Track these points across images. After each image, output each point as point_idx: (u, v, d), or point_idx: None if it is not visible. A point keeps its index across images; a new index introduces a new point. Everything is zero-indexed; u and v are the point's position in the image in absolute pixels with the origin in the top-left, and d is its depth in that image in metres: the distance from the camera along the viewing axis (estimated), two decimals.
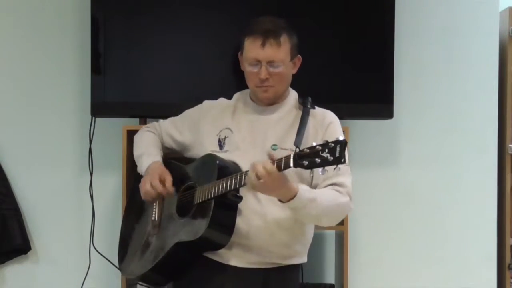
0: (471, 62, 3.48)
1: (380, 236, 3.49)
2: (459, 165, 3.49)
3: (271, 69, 2.44)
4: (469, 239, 3.49)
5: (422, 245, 3.49)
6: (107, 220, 3.40)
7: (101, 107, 3.19)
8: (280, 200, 2.27)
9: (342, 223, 3.10)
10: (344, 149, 2.04)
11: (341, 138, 2.04)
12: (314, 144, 2.08)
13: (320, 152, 2.05)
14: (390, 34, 3.19)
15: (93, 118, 3.30)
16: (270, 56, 2.43)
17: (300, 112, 2.50)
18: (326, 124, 2.49)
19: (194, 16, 3.19)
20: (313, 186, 2.42)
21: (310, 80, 3.19)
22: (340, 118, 3.24)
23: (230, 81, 3.03)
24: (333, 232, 3.45)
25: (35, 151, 3.46)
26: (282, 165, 2.15)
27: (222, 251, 2.42)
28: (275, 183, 2.19)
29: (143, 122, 3.18)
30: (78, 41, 3.39)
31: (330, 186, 2.39)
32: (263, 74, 2.43)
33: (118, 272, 2.87)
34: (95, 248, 3.36)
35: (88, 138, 3.32)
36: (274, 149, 2.42)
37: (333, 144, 2.04)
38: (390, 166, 3.49)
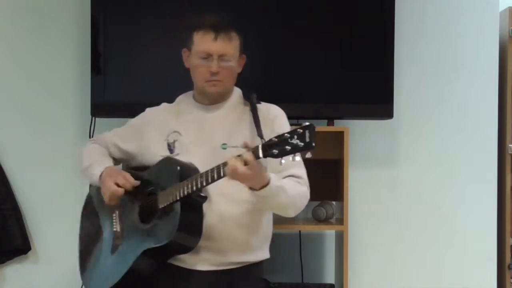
0: (471, 62, 3.48)
1: (380, 236, 3.49)
2: (459, 165, 3.49)
3: (222, 63, 2.44)
4: (469, 239, 3.49)
5: (422, 245, 3.49)
6: None
7: (101, 107, 3.20)
8: (252, 189, 2.24)
9: (342, 223, 3.11)
10: (314, 133, 2.01)
11: (307, 123, 2.02)
12: (281, 132, 2.06)
13: (289, 139, 2.03)
14: (390, 34, 3.19)
15: (93, 118, 3.30)
16: (221, 49, 2.43)
17: (246, 108, 2.50)
18: (271, 118, 2.48)
19: (194, 16, 3.19)
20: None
21: (310, 80, 3.20)
22: (340, 118, 3.27)
23: None
24: (333, 232, 3.45)
25: (35, 151, 3.46)
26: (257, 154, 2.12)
27: (185, 256, 2.40)
28: (253, 171, 2.14)
29: None
30: (78, 41, 3.39)
31: (288, 178, 2.38)
32: (214, 68, 2.43)
33: None
34: None
35: (88, 138, 3.32)
36: (224, 148, 2.38)
37: (301, 130, 2.02)
38: (390, 166, 3.49)
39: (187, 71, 3.18)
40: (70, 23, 3.42)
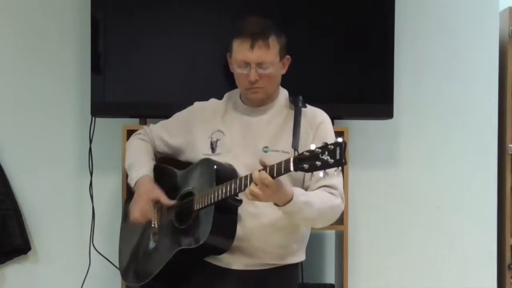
0: (471, 62, 3.48)
1: (380, 236, 3.49)
2: (459, 165, 3.49)
3: (260, 71, 2.42)
4: (469, 239, 3.49)
5: (422, 245, 3.49)
6: (107, 220, 3.40)
7: (101, 107, 3.20)
8: (276, 204, 2.25)
9: (342, 223, 3.11)
10: (345, 151, 2.03)
11: (340, 139, 2.04)
12: (313, 147, 2.07)
13: (320, 155, 2.04)
14: (390, 34, 3.19)
15: (93, 118, 3.30)
16: (259, 58, 2.41)
17: (291, 112, 2.48)
18: (316, 124, 2.48)
19: (194, 16, 3.20)
20: (304, 188, 2.42)
21: (310, 80, 3.20)
22: (340, 118, 3.27)
23: (230, 81, 3.02)
24: (333, 232, 3.45)
25: (35, 151, 3.46)
26: (275, 172, 2.14)
27: (221, 255, 2.41)
28: (270, 189, 2.16)
29: (143, 122, 3.19)
30: (78, 41, 3.39)
31: (322, 188, 2.38)
32: (253, 77, 2.42)
33: (118, 272, 2.87)
34: (95, 248, 3.36)
35: (88, 138, 3.33)
36: (265, 151, 2.41)
37: (332, 146, 2.03)
38: (390, 166, 3.49)
39: (187, 70, 3.21)
40: (70, 23, 3.42)
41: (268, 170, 2.15)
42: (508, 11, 3.45)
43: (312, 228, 3.34)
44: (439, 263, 3.49)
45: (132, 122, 3.24)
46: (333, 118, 3.19)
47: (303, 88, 3.19)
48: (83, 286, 3.39)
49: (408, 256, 3.49)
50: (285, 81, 3.19)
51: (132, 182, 2.57)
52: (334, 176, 2.32)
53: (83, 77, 3.34)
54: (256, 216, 2.41)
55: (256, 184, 2.15)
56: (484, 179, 3.49)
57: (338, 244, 3.33)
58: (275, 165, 2.15)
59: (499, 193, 3.49)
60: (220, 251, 2.40)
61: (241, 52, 2.42)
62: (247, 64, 2.42)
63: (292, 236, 2.48)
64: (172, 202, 2.51)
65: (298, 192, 2.27)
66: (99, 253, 3.36)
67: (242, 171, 2.37)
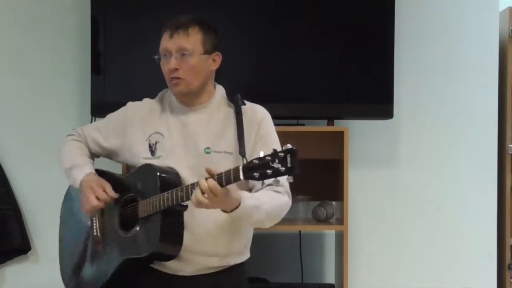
0: (471, 62, 3.49)
1: (380, 236, 3.49)
2: (459, 165, 3.50)
3: (181, 60, 2.38)
4: (469, 239, 3.49)
5: (422, 245, 3.49)
6: None
7: (101, 107, 3.19)
8: (224, 211, 2.21)
9: (342, 223, 3.11)
10: (296, 158, 1.95)
11: (289, 146, 1.97)
12: (262, 154, 2.00)
13: (270, 163, 1.98)
14: (390, 34, 3.19)
15: (93, 118, 3.30)
16: (177, 44, 2.37)
17: (231, 110, 2.43)
18: (257, 121, 2.41)
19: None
20: (250, 186, 2.37)
21: (310, 80, 3.20)
22: (340, 118, 3.27)
23: (230, 80, 3.02)
24: (333, 232, 3.45)
25: (35, 151, 3.46)
26: (224, 181, 2.08)
27: (168, 262, 2.37)
28: (218, 198, 2.11)
29: None
30: (78, 41, 3.39)
31: (269, 187, 2.28)
32: (172, 64, 2.37)
33: None
34: None
35: None
36: (207, 153, 2.36)
37: (283, 154, 1.97)
38: (390, 166, 3.49)
39: None
40: (70, 23, 3.42)
41: (216, 179, 2.10)
42: (508, 11, 3.45)
43: (312, 227, 3.35)
44: (439, 263, 3.49)
45: None
46: (333, 118, 3.21)
47: (303, 88, 3.21)
48: None
49: (408, 256, 3.50)
50: (286, 81, 3.20)
51: (76, 183, 2.45)
52: None
53: (83, 77, 3.34)
54: (201, 219, 2.35)
55: (203, 193, 2.10)
56: (484, 179, 3.49)
57: (338, 244, 3.33)
58: (223, 174, 2.08)
59: (499, 193, 3.49)
60: (169, 257, 2.35)
61: (163, 42, 2.41)
62: (168, 53, 2.39)
63: (237, 237, 2.44)
64: (116, 196, 2.39)
65: (245, 196, 2.21)
66: None
67: (185, 174, 2.34)
